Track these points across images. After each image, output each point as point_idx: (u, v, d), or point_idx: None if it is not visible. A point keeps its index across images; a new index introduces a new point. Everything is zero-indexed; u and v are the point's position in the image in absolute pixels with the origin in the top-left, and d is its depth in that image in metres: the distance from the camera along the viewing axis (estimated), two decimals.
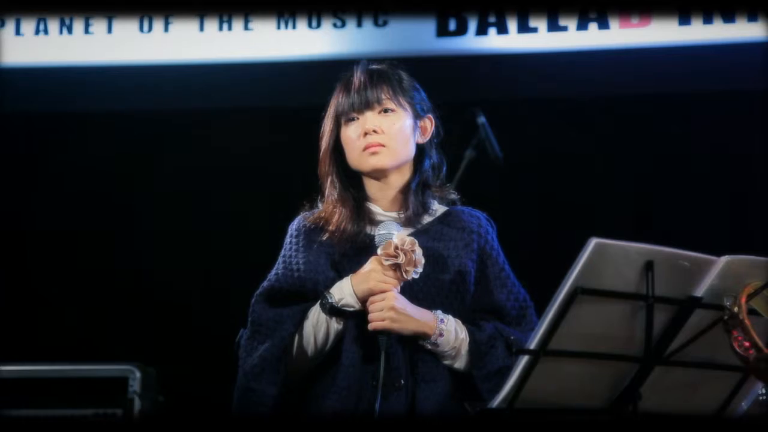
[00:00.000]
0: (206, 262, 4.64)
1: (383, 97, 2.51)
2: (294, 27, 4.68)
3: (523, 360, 2.20)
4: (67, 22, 4.72)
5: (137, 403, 3.90)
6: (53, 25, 4.71)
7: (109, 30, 4.74)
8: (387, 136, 2.50)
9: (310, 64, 4.59)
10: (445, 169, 2.63)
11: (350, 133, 2.53)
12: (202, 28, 4.71)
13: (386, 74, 2.56)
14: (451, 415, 2.44)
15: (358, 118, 2.52)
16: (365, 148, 2.50)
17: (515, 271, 2.58)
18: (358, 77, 2.53)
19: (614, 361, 2.24)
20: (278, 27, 4.69)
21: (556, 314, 2.15)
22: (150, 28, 4.73)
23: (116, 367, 3.96)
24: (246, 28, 4.70)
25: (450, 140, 2.66)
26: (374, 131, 2.49)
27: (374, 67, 2.57)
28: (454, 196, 2.64)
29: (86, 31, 4.73)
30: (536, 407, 2.30)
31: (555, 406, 2.32)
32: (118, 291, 4.71)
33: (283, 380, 2.45)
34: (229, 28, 4.70)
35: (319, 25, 4.67)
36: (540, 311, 2.20)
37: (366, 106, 2.51)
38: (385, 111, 2.52)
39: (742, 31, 4.48)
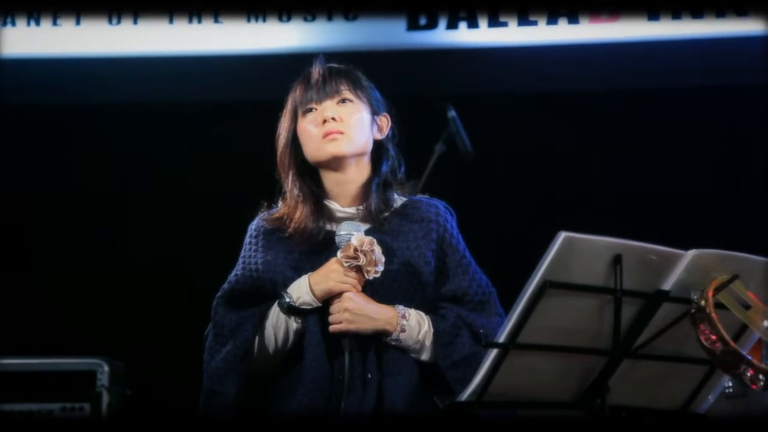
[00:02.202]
0: (176, 259, 4.62)
1: (342, 88, 2.56)
2: (264, 20, 4.66)
3: (492, 353, 2.21)
4: (35, 14, 4.68)
5: (105, 397, 3.89)
6: (21, 17, 4.68)
7: (77, 22, 4.71)
8: (345, 124, 2.53)
9: (280, 57, 4.57)
10: (403, 168, 2.65)
11: (307, 124, 2.55)
12: (171, 21, 4.69)
13: (345, 70, 2.60)
14: (420, 410, 2.45)
15: (316, 109, 2.55)
16: (324, 136, 2.52)
17: (486, 264, 2.59)
18: (317, 70, 2.58)
19: (582, 355, 2.25)
20: (248, 20, 4.67)
21: (525, 308, 2.16)
22: (119, 21, 4.70)
23: (84, 360, 3.95)
24: (216, 20, 4.68)
25: (420, 134, 2.67)
26: (333, 119, 2.52)
27: (333, 64, 2.61)
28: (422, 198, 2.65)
29: (54, 23, 4.70)
30: (505, 400, 2.32)
31: (524, 399, 2.34)
32: (88, 285, 4.69)
33: (246, 382, 2.47)
34: (199, 21, 4.68)
35: (289, 19, 4.66)
36: (509, 305, 2.21)
37: (325, 95, 2.54)
38: (344, 101, 2.55)
39: (711, 27, 4.52)
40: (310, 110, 2.55)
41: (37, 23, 4.70)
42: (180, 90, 4.68)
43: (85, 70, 4.68)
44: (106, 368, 3.91)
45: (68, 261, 4.73)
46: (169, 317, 4.43)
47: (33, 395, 3.88)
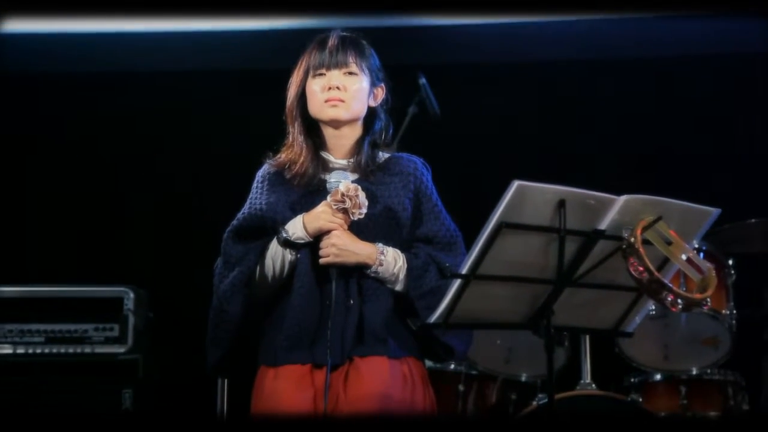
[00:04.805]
0: (193, 199, 4.60)
1: (350, 60, 2.52)
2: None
3: (456, 283, 2.22)
4: None
5: (131, 319, 3.90)
6: None
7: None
8: (347, 94, 2.50)
9: (274, 34, 4.54)
10: (391, 130, 2.63)
11: (315, 86, 2.53)
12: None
13: (356, 42, 2.56)
14: (395, 331, 2.46)
15: (325, 74, 2.52)
16: (327, 100, 2.51)
17: (450, 207, 2.59)
18: (332, 40, 2.54)
19: (532, 284, 2.26)
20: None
21: (484, 245, 2.17)
22: None
23: (113, 288, 3.95)
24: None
25: (391, 98, 2.64)
26: (338, 87, 2.50)
27: (346, 34, 2.57)
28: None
29: None
30: (466, 323, 2.33)
31: (482, 321, 2.35)
32: (119, 222, 4.69)
33: (250, 302, 2.48)
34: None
35: None
36: (470, 243, 2.21)
37: (335, 65, 2.51)
38: (350, 73, 2.52)
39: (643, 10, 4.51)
40: (320, 74, 2.52)
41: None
42: (187, 62, 4.64)
43: (101, 43, 4.62)
44: (131, 295, 3.92)
45: (104, 200, 4.70)
46: (186, 251, 4.40)
47: (71, 317, 3.89)
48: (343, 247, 2.42)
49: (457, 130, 4.18)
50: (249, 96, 4.45)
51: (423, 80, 3.58)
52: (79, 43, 4.61)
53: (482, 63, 4.55)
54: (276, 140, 2.60)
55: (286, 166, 2.54)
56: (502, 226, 2.15)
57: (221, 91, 4.64)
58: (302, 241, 2.45)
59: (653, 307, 3.58)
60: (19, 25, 4.55)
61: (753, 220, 3.74)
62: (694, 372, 3.87)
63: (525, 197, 2.16)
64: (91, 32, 4.60)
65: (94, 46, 4.60)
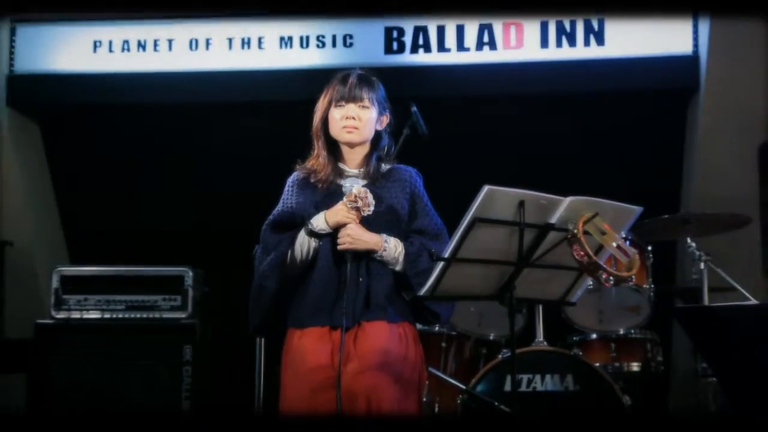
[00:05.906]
0: (238, 199, 4.61)
1: (364, 96, 2.52)
2: (290, 46, 4.63)
3: (440, 264, 2.24)
4: (143, 41, 4.63)
5: (191, 293, 3.90)
6: (117, 41, 4.62)
7: (170, 48, 4.65)
8: (360, 123, 2.51)
9: (302, 72, 4.54)
10: (393, 148, 2.64)
11: (336, 114, 2.53)
12: (230, 47, 4.65)
13: (370, 81, 2.56)
14: (394, 302, 2.47)
15: (343, 105, 2.52)
16: (344, 127, 2.51)
17: (441, 208, 2.60)
18: (352, 78, 2.53)
19: (498, 265, 2.28)
20: (280, 47, 4.64)
21: (462, 235, 2.19)
22: (196, 47, 4.66)
23: (176, 268, 3.96)
24: (259, 47, 4.65)
25: (393, 122, 2.66)
26: (353, 118, 2.51)
27: (363, 73, 2.57)
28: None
29: (155, 49, 4.65)
30: (448, 295, 2.35)
31: (460, 294, 2.36)
32: (179, 214, 4.70)
33: (282, 279, 2.49)
34: (248, 47, 4.65)
35: (307, 46, 4.62)
36: (451, 234, 2.22)
37: (352, 99, 2.51)
38: (363, 106, 2.52)
39: (581, 52, 4.51)
40: (340, 105, 2.52)
41: (142, 48, 4.65)
42: (235, 94, 4.63)
43: (173, 82, 4.62)
44: (191, 273, 3.92)
45: (167, 197, 4.74)
46: (232, 241, 4.40)
47: (143, 290, 3.90)
48: (356, 236, 2.43)
49: (441, 147, 4.20)
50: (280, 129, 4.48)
51: (414, 108, 3.58)
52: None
53: (459, 96, 4.57)
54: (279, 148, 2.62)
55: (312, 173, 2.55)
56: (475, 221, 2.17)
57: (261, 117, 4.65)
58: (324, 232, 2.46)
59: (591, 283, 3.57)
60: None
61: (665, 216, 3.76)
62: (622, 332, 3.88)
63: (493, 198, 2.17)
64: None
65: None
